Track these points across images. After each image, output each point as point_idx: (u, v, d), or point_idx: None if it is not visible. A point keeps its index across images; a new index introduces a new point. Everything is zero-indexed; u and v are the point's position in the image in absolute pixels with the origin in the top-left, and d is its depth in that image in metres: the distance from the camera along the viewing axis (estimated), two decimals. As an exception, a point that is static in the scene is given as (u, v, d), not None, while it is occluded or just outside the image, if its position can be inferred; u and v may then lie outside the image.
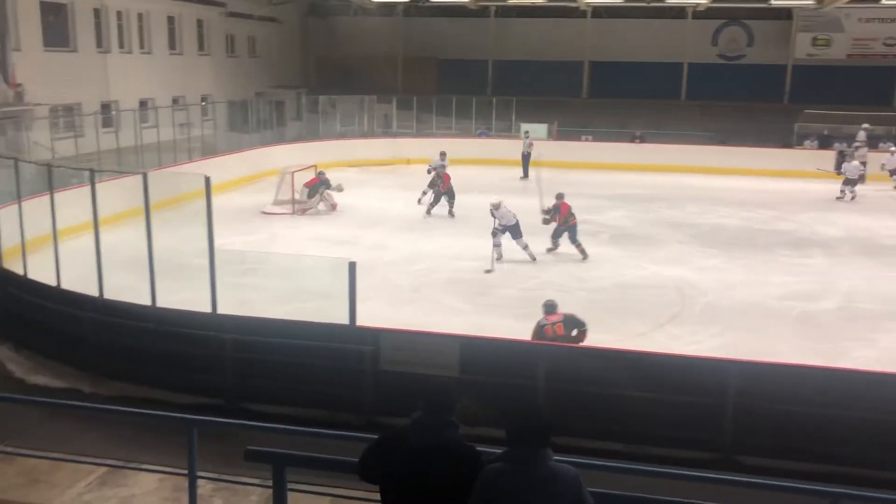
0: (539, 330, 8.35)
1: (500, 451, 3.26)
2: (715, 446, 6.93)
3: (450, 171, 19.41)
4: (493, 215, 13.85)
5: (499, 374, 7.19)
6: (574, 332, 8.28)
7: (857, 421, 6.65)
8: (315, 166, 19.24)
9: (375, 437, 3.47)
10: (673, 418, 6.98)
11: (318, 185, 18.35)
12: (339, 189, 18.60)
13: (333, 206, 18.37)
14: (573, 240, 14.01)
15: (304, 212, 18.00)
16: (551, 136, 28.25)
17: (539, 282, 12.67)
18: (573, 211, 14.25)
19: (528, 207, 14.51)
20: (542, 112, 29.30)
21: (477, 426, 5.93)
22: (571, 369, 7.30)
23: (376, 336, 7.55)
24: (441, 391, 3.35)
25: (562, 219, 14.16)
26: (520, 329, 9.99)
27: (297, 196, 18.06)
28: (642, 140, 28.30)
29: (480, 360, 7.33)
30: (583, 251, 13.93)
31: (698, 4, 30.50)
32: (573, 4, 31.00)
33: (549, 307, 8.66)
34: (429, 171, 19.86)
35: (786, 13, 32.58)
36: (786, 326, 10.78)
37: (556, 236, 14.34)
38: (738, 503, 4.36)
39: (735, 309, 11.40)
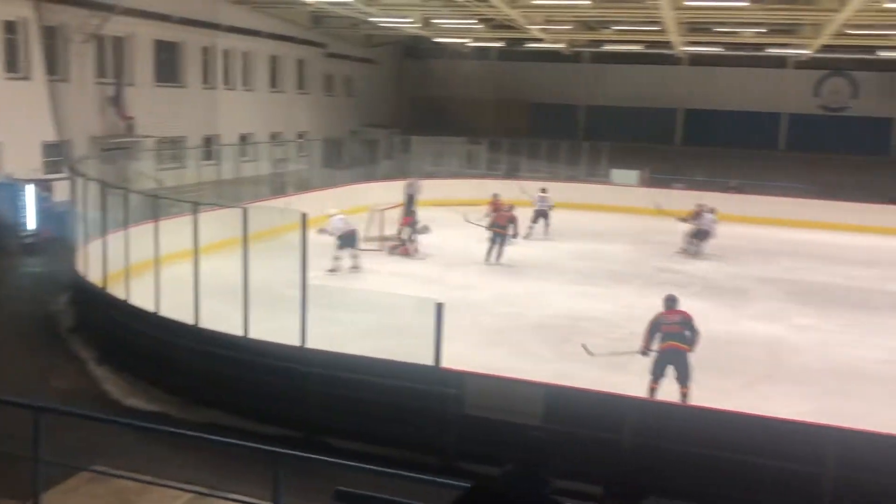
0: (653, 324, 9.14)
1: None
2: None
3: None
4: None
5: (584, 425, 7.05)
6: (687, 333, 8.89)
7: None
8: (403, 204, 19.50)
9: (464, 484, 3.44)
10: (768, 485, 6.67)
11: (414, 224, 18.09)
12: (426, 230, 18.27)
13: (416, 250, 18.05)
14: None
15: (405, 251, 17.66)
16: (643, 182, 27.90)
17: (627, 332, 12.40)
18: None
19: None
20: (634, 158, 29.00)
21: (561, 479, 5.82)
22: (660, 425, 7.09)
23: (461, 379, 7.53)
24: (534, 446, 3.31)
25: None
26: (604, 379, 9.82)
27: (386, 232, 18.32)
28: (738, 190, 27.59)
29: (565, 409, 7.21)
30: None
31: (801, 55, 29.76)
32: (669, 51, 30.74)
33: (669, 302, 9.37)
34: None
35: (892, 65, 31.42)
36: (890, 392, 10.21)
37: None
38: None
39: (831, 371, 10.88)
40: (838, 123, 32.64)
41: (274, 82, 28.08)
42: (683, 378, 8.87)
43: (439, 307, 7.36)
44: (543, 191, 21.05)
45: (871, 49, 27.98)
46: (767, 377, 10.67)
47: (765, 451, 6.73)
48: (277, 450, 4.58)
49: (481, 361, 10.00)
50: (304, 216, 7.92)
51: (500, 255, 17.22)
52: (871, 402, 9.83)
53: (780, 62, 32.72)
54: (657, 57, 32.65)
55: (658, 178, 28.47)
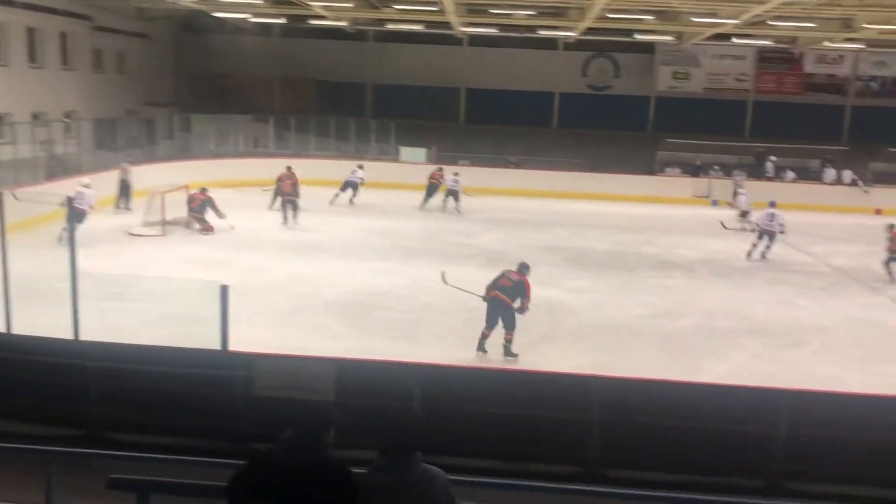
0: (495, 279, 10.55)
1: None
2: (583, 460, 7.21)
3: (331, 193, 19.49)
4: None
5: (376, 396, 7.22)
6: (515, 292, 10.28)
7: (711, 432, 7.08)
8: (187, 186, 18.73)
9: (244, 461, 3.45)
10: (544, 434, 7.21)
11: (205, 204, 17.92)
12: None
13: (210, 228, 17.87)
14: None
15: (209, 227, 17.83)
16: (431, 160, 28.67)
17: (419, 304, 12.82)
18: None
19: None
20: (421, 136, 29.71)
21: (352, 449, 5.95)
22: (448, 389, 7.42)
23: (249, 361, 7.42)
24: (312, 412, 3.38)
25: None
26: (397, 351, 10.11)
27: (169, 216, 17.50)
28: (518, 166, 29.17)
29: (358, 383, 7.34)
30: None
31: (568, 37, 31.82)
32: (450, 32, 31.66)
33: (523, 267, 10.68)
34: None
35: (649, 48, 34.50)
36: (650, 344, 11.38)
37: None
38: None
39: (603, 328, 11.92)
40: (603, 101, 35.33)
41: (33, 57, 25.60)
42: (508, 325, 10.41)
43: (224, 289, 7.19)
44: (456, 174, 23.58)
45: (629, 32, 30.57)
46: (548, 337, 11.47)
47: (543, 404, 7.25)
48: (46, 448, 4.31)
49: (275, 343, 9.92)
50: (69, 199, 7.39)
51: (294, 218, 19.35)
52: (637, 353, 10.92)
53: (551, 44, 34.78)
54: (439, 37, 33.49)
55: (445, 155, 29.40)
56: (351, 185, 22.96)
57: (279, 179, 20.44)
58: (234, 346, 7.57)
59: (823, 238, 21.02)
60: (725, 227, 20.46)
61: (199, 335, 7.83)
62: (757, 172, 29.34)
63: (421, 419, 3.55)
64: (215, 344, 7.48)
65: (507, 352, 10.36)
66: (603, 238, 19.47)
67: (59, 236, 14.33)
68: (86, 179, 17.44)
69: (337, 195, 22.70)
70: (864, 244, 20.08)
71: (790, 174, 29.50)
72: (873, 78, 34.61)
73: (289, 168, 21.05)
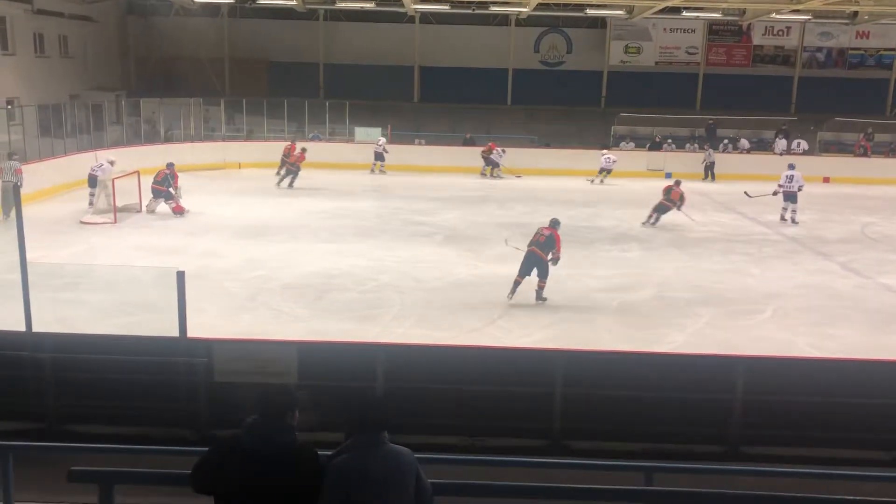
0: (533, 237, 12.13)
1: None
2: (546, 433, 7.31)
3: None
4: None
5: (338, 377, 7.21)
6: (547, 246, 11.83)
7: (670, 400, 7.23)
8: (138, 172, 18.36)
9: (208, 447, 3.42)
10: (507, 409, 7.28)
11: (168, 178, 17.77)
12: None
13: (180, 209, 17.84)
14: None
15: (179, 207, 18.02)
16: (386, 139, 28.50)
17: (377, 284, 12.78)
18: None
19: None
20: (376, 116, 29.51)
21: (316, 431, 5.94)
22: (411, 368, 7.44)
23: (209, 347, 7.34)
24: (275, 395, 3.36)
25: None
26: (360, 331, 10.10)
27: (119, 203, 17.16)
28: (473, 143, 29.17)
29: (319, 364, 7.32)
30: None
31: (520, 13, 31.78)
32: (401, 10, 31.38)
33: (553, 222, 12.28)
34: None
35: (601, 22, 34.65)
36: (609, 316, 11.53)
37: None
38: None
39: (562, 302, 12.03)
40: (557, 77, 35.43)
41: (-30, 42, 24.77)
42: (542, 274, 11.92)
43: (181, 275, 7.07)
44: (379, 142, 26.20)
45: (581, 7, 30.66)
46: (508, 312, 11.54)
47: (506, 379, 7.32)
48: (3, 443, 4.22)
49: (233, 328, 9.85)
50: (16, 187, 7.18)
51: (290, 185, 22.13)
52: (597, 326, 11.06)
53: (503, 20, 34.73)
54: (391, 15, 33.22)
55: (400, 134, 29.27)
56: (286, 165, 23.04)
57: (286, 152, 22.89)
58: (192, 332, 7.46)
59: (775, 207, 21.46)
60: (750, 196, 20.55)
61: (157, 323, 7.72)
62: (711, 144, 29.79)
63: (384, 399, 3.57)
64: (174, 331, 7.37)
65: (539, 296, 11.89)
66: (559, 213, 19.50)
67: (90, 201, 18.07)
68: (111, 156, 19.87)
69: (281, 178, 22.72)
70: (813, 212, 20.57)
71: (744, 143, 30.03)
72: (819, 49, 35.26)
73: (294, 142, 23.69)
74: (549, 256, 11.86)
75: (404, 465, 3.43)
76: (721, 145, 28.99)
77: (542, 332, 10.59)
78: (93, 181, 18.28)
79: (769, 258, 15.41)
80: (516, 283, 11.91)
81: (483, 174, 26.19)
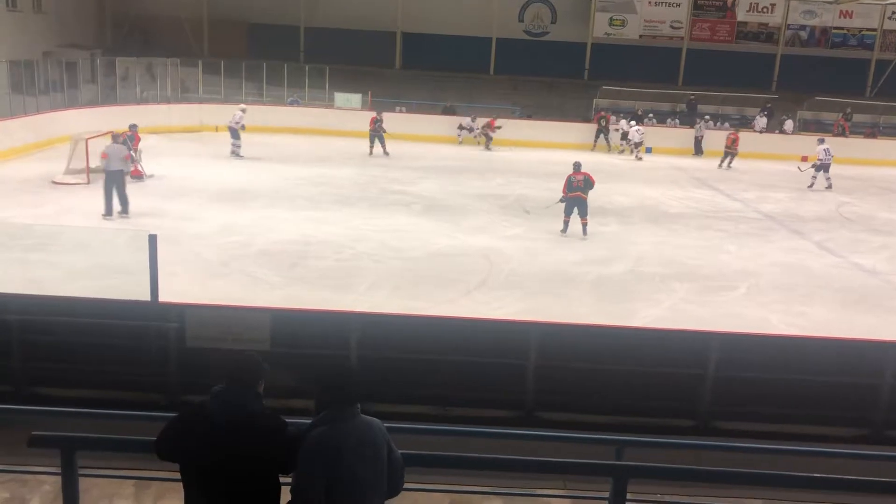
0: (567, 181, 14.27)
1: (310, 419, 3.38)
2: (519, 405, 7.32)
3: (264, 139, 19.01)
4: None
5: (311, 345, 7.15)
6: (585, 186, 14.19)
7: (643, 374, 7.26)
8: (112, 132, 17.99)
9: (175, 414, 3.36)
10: (482, 380, 7.28)
11: (129, 140, 17.25)
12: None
13: (137, 173, 17.21)
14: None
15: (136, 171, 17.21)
16: (366, 106, 28.23)
17: (354, 252, 12.69)
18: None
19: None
20: (357, 82, 29.17)
21: (289, 398, 5.90)
22: (386, 338, 7.40)
23: (181, 312, 7.24)
24: (243, 363, 3.30)
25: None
26: (335, 300, 10.03)
27: (93, 163, 16.82)
28: (453, 111, 28.95)
29: (292, 332, 7.25)
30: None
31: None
32: (385, -27, 30.96)
33: (577, 166, 14.55)
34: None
35: (585, -8, 34.38)
36: (584, 290, 11.54)
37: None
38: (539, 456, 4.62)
39: (537, 275, 12.03)
40: (540, 48, 35.15)
41: (-62, -6, 24.07)
42: (583, 213, 14.18)
43: (153, 239, 6.95)
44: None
45: (566, -23, 30.37)
46: (484, 284, 11.52)
47: (480, 350, 7.30)
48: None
49: (207, 294, 9.71)
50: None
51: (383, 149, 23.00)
52: (571, 299, 11.07)
53: (488, -13, 34.34)
54: (374, -22, 32.72)
55: (380, 101, 28.96)
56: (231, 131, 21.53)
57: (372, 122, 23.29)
58: (164, 297, 7.35)
59: (751, 184, 21.60)
60: (801, 170, 22.18)
61: (128, 287, 7.59)
62: (690, 121, 29.81)
63: (356, 371, 3.54)
64: (145, 295, 7.26)
65: (584, 231, 14.22)
66: (538, 185, 19.53)
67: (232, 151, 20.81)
68: (242, 105, 22.30)
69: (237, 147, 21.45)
70: (790, 190, 20.70)
71: (727, 123, 30.17)
72: (802, 27, 35.27)
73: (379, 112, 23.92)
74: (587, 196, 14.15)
75: (377, 436, 3.45)
76: (703, 122, 29.00)
77: (517, 305, 10.57)
78: (234, 132, 20.85)
79: (745, 235, 15.50)
80: (566, 224, 14.33)
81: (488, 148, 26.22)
